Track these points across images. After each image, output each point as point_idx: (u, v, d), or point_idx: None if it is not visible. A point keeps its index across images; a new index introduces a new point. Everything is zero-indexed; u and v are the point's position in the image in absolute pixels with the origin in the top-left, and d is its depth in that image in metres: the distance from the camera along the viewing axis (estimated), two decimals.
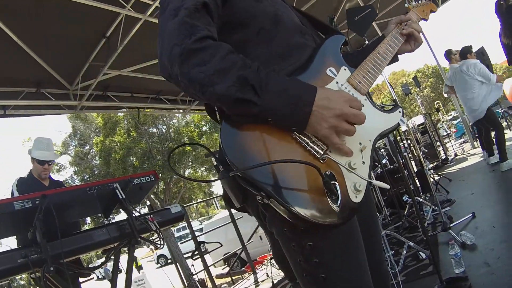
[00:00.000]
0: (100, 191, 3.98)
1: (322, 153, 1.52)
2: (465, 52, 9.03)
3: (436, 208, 6.32)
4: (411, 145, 10.95)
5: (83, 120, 27.43)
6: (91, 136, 28.49)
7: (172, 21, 1.53)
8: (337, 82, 1.73)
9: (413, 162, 9.95)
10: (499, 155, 8.16)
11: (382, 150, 9.41)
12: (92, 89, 9.21)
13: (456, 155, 16.19)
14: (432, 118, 17.70)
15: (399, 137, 8.67)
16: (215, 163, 1.65)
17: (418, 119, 16.11)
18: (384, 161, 8.99)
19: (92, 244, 3.81)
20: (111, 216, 4.37)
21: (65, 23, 7.16)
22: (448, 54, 9.86)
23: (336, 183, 1.50)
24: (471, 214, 5.75)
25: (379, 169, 8.17)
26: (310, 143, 1.53)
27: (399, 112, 1.84)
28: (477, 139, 10.37)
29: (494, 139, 8.57)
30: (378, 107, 1.81)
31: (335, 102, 1.49)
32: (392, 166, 8.71)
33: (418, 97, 27.05)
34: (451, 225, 5.43)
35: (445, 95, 15.76)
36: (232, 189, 1.61)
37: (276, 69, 1.68)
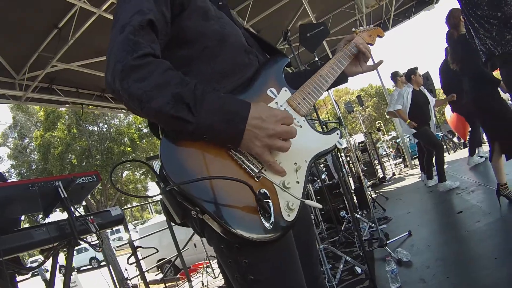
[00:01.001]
0: (42, 188, 3.88)
1: (257, 171, 1.57)
2: (409, 74, 9.33)
3: (373, 225, 6.44)
4: (351, 162, 11.14)
5: (24, 112, 26.78)
6: (32, 129, 27.80)
7: (118, 37, 1.55)
8: (276, 103, 1.78)
9: (351, 179, 10.12)
10: (438, 176, 8.35)
11: (322, 165, 9.53)
12: (39, 81, 9.00)
13: (394, 174, 16.58)
14: (373, 137, 18.06)
15: (339, 153, 8.79)
16: (156, 180, 1.65)
17: (359, 137, 16.43)
18: (323, 176, 9.11)
19: (31, 243, 3.70)
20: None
21: (17, 8, 6.96)
22: (394, 76, 10.09)
23: (270, 201, 1.54)
24: (407, 233, 5.81)
25: (318, 184, 8.26)
26: (245, 161, 1.57)
27: (337, 134, 1.89)
28: (418, 158, 10.67)
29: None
30: (316, 128, 1.87)
31: (268, 122, 1.54)
32: (331, 182, 8.82)
33: (360, 115, 27.64)
34: (387, 242, 5.51)
35: (388, 116, 16.13)
36: (172, 205, 1.62)
37: (216, 87, 1.72)
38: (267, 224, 1.50)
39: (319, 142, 1.83)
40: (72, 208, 3.97)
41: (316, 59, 5.72)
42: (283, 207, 1.56)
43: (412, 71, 9.32)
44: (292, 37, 13.32)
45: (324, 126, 5.35)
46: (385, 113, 8.84)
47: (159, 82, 1.47)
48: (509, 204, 5.23)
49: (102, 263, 30.20)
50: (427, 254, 4.78)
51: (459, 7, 4.70)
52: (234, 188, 1.49)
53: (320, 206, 1.73)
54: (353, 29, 2.41)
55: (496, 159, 5.23)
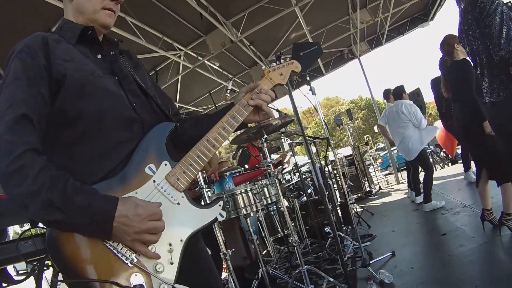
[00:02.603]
0: None
1: (130, 259, 1.66)
2: (401, 92, 9.34)
3: (356, 243, 6.45)
4: (337, 175, 11.17)
5: None
6: None
7: None
8: (154, 181, 1.84)
9: (337, 192, 10.14)
10: (424, 196, 8.40)
11: (309, 179, 9.54)
12: None
13: (380, 188, 16.62)
14: (360, 150, 18.10)
15: (325, 167, 8.81)
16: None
17: (347, 151, 16.48)
18: (309, 191, 9.11)
19: (17, 256, 3.70)
20: None
21: (10, 12, 6.95)
22: (387, 94, 10.16)
23: (143, 284, 1.65)
24: (390, 253, 5.84)
25: (303, 198, 8.26)
26: (119, 249, 1.67)
27: (219, 205, 1.92)
28: (407, 174, 10.71)
29: (422, 179, 8.85)
30: (195, 203, 1.90)
31: (134, 220, 1.65)
32: (317, 197, 8.82)
33: (349, 127, 27.73)
34: (370, 261, 5.51)
35: (376, 130, 16.12)
36: None
37: (94, 172, 1.79)
38: None
39: (198, 217, 1.88)
40: None
41: (308, 79, 5.68)
42: None
43: (402, 90, 9.38)
44: (284, 49, 13.50)
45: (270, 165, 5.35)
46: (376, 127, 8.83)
47: (32, 189, 1.56)
48: (493, 229, 5.29)
49: None
50: (409, 277, 4.80)
51: (453, 32, 4.74)
52: (109, 277, 1.62)
53: None
54: (263, 67, 2.39)
55: (482, 185, 5.29)
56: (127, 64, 2.16)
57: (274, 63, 2.40)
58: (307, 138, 5.45)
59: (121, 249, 1.66)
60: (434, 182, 8.44)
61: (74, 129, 1.79)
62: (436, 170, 15.80)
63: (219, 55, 12.16)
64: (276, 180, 5.20)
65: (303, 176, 8.21)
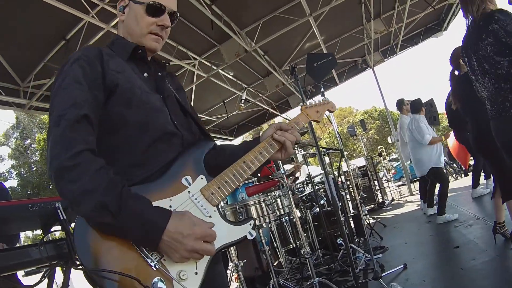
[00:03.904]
0: (42, 209, 3.96)
1: (155, 262, 1.65)
2: (419, 106, 9.31)
3: (368, 255, 6.43)
4: (350, 186, 11.12)
5: (28, 114, 26.83)
6: (34, 131, 27.77)
7: (54, 129, 1.68)
8: (189, 192, 1.87)
9: (350, 203, 10.10)
10: (438, 208, 8.33)
11: (322, 189, 9.51)
12: (45, 89, 9.06)
13: (393, 199, 16.53)
14: (373, 161, 18.03)
15: (338, 177, 8.79)
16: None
17: (360, 161, 16.41)
18: (322, 202, 9.08)
19: (28, 262, 3.75)
20: None
21: (26, 17, 7.05)
22: (400, 104, 10.13)
23: None
24: (402, 265, 5.81)
25: (317, 209, 8.23)
26: (145, 251, 1.67)
27: (250, 224, 1.93)
28: (419, 185, 10.65)
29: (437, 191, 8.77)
30: (227, 218, 1.93)
31: (188, 239, 1.66)
32: (329, 208, 8.80)
33: (363, 138, 27.62)
34: (382, 274, 5.50)
35: (390, 141, 16.02)
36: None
37: (131, 178, 1.81)
38: None
39: (228, 233, 1.88)
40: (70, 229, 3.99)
41: (322, 90, 5.67)
42: None
43: (420, 104, 9.33)
44: (298, 59, 13.52)
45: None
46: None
47: (87, 188, 1.59)
48: (505, 242, 5.25)
49: None
50: None
51: None
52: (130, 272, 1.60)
53: None
54: (300, 104, 2.52)
55: (498, 197, 5.24)
56: (171, 85, 2.25)
57: (312, 101, 2.47)
58: (321, 149, 5.45)
59: (147, 250, 1.66)
60: (448, 194, 8.41)
61: (117, 136, 1.86)
62: (450, 181, 15.72)
63: (233, 64, 12.20)
64: (289, 191, 5.20)
65: (316, 187, 8.19)
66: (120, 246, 1.64)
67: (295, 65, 4.76)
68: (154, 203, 1.71)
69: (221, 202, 1.98)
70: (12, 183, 30.00)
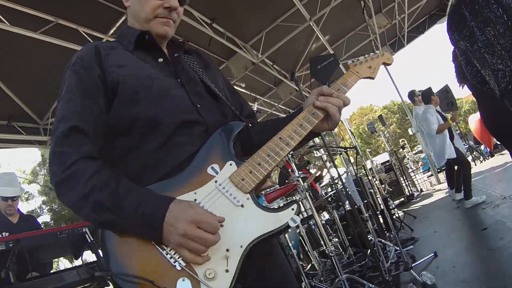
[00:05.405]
0: (70, 235, 4.12)
1: (178, 261, 1.51)
2: (429, 95, 9.23)
3: (397, 248, 6.43)
4: (376, 182, 11.09)
5: None
6: None
7: (51, 147, 1.68)
8: (216, 181, 1.67)
9: (379, 199, 10.06)
10: (464, 193, 8.29)
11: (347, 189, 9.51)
12: None
13: (422, 190, 16.42)
14: (398, 155, 17.91)
15: (365, 176, 8.80)
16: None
17: (383, 157, 16.34)
18: (347, 202, 9.09)
19: (63, 286, 3.91)
20: None
21: (36, 58, 7.29)
22: (412, 96, 10.06)
23: None
24: (433, 254, 5.81)
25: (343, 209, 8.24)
26: (168, 250, 1.54)
27: (292, 209, 1.64)
28: (445, 173, 10.50)
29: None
30: (265, 206, 1.71)
31: (180, 220, 1.50)
32: (356, 206, 8.81)
33: (385, 133, 27.48)
34: (413, 264, 5.49)
35: (410, 132, 15.93)
36: None
37: (149, 176, 1.72)
38: None
39: (265, 222, 1.62)
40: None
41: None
42: None
43: (430, 93, 9.27)
44: (307, 64, 13.53)
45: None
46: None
47: (83, 193, 1.56)
48: None
49: None
50: (451, 276, 4.77)
51: None
52: (154, 276, 1.48)
53: None
54: (349, 62, 2.14)
55: None
56: (196, 64, 2.08)
57: (362, 57, 2.15)
58: (337, 148, 5.50)
59: (170, 250, 1.52)
60: (474, 178, 8.36)
61: (129, 137, 1.76)
62: (476, 165, 15.59)
63: (244, 77, 12.27)
64: (307, 193, 5.24)
65: (341, 187, 8.19)
66: (143, 248, 1.55)
67: (294, 71, 4.81)
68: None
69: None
70: (45, 218, 30.50)
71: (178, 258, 1.51)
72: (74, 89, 1.72)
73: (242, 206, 1.63)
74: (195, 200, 1.62)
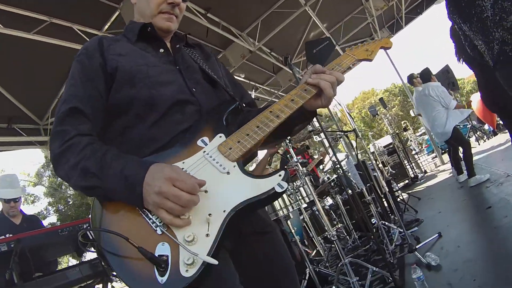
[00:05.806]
0: (72, 232, 4.11)
1: (160, 226, 1.52)
2: (428, 75, 9.22)
3: (401, 230, 6.41)
4: (378, 164, 11.05)
5: None
6: None
7: (52, 127, 1.83)
8: (204, 151, 1.72)
9: (384, 182, 10.04)
10: (467, 172, 8.27)
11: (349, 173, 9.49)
12: None
13: (426, 172, 16.38)
14: (401, 137, 17.87)
15: (368, 160, 8.76)
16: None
17: (386, 140, 16.29)
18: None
19: (66, 283, 3.92)
20: None
21: (32, 59, 7.30)
22: (411, 79, 10.02)
23: (168, 255, 1.47)
24: (437, 234, 5.78)
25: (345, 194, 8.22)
26: (149, 214, 1.56)
27: (280, 175, 1.62)
28: (448, 154, 10.45)
29: (462, 156, 8.70)
30: (250, 173, 1.66)
31: (156, 179, 1.52)
32: (359, 190, 8.79)
33: (387, 115, 27.51)
34: (417, 246, 5.47)
35: (412, 114, 15.86)
36: None
37: (142, 152, 1.78)
38: (160, 278, 1.43)
39: (250, 188, 1.60)
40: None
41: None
42: (181, 262, 1.45)
43: (429, 72, 9.25)
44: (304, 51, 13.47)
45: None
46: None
47: (74, 162, 1.65)
48: None
49: None
50: (455, 256, 4.74)
51: None
52: (136, 241, 1.49)
53: (216, 262, 1.44)
54: (347, 49, 2.14)
55: None
56: (197, 55, 2.19)
57: (360, 43, 2.17)
58: (336, 132, 5.46)
59: (153, 215, 1.54)
60: (477, 157, 8.34)
61: (127, 116, 1.86)
62: (479, 144, 15.54)
63: (243, 66, 12.30)
64: (306, 178, 5.21)
65: (342, 172, 8.16)
66: (128, 215, 1.60)
67: (288, 55, 4.77)
68: None
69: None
70: (52, 219, 30.69)
71: (160, 223, 1.53)
72: (77, 76, 1.86)
73: (228, 173, 1.65)
74: (182, 169, 1.64)
